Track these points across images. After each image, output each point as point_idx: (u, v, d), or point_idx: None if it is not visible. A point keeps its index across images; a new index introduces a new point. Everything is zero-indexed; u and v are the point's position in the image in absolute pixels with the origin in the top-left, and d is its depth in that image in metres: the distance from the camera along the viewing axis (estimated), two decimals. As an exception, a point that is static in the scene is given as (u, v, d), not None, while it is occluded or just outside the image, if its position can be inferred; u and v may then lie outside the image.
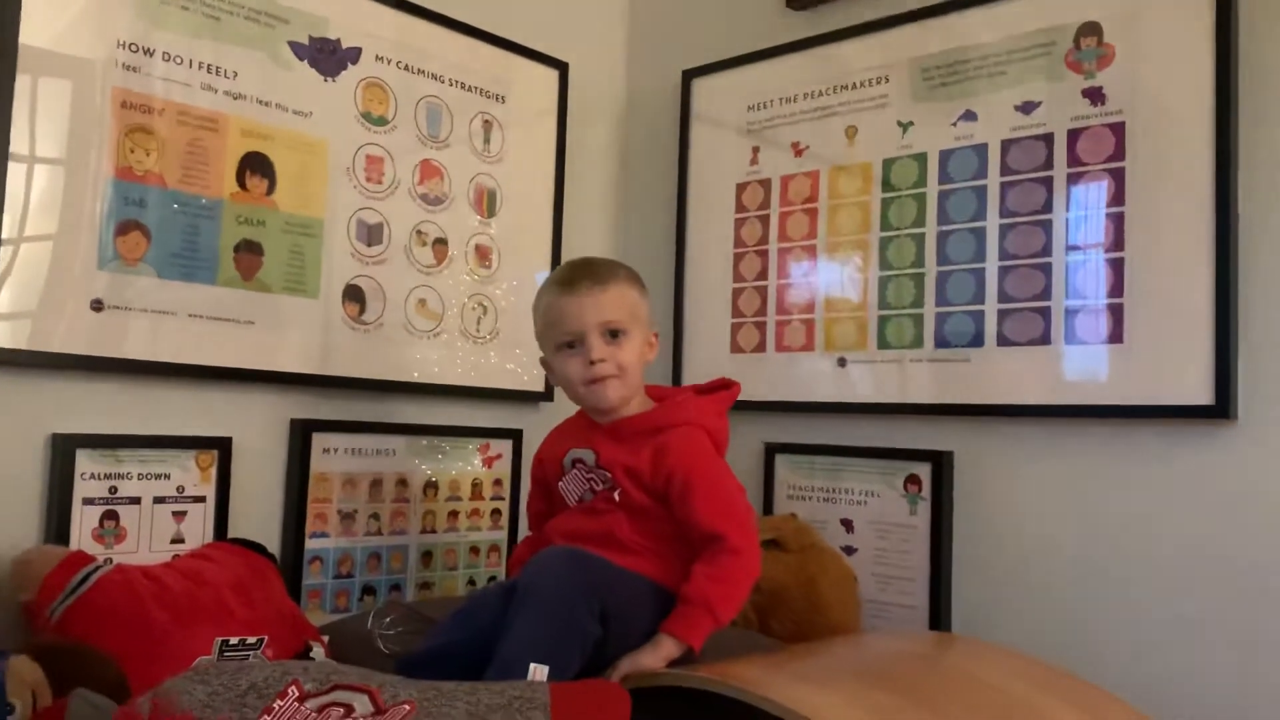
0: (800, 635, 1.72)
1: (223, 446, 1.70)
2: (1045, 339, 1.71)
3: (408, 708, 1.01)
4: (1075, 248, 1.69)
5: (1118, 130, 1.66)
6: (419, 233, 1.99)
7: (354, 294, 1.88)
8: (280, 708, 0.98)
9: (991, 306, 1.77)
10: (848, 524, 1.92)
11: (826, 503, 1.95)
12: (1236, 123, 1.55)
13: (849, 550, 1.90)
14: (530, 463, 2.09)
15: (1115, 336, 1.64)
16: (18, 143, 1.51)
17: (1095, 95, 1.68)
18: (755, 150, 2.13)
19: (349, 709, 1.00)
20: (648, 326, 1.53)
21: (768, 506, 2.03)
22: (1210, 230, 1.56)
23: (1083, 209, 1.68)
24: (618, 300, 1.47)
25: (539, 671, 1.22)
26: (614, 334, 1.46)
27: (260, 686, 1.00)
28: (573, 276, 1.49)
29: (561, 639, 1.28)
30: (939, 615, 1.78)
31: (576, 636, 1.29)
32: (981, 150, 1.80)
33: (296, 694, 1.00)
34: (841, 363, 1.96)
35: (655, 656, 1.34)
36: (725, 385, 1.57)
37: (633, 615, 1.38)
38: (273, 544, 1.75)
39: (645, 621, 1.38)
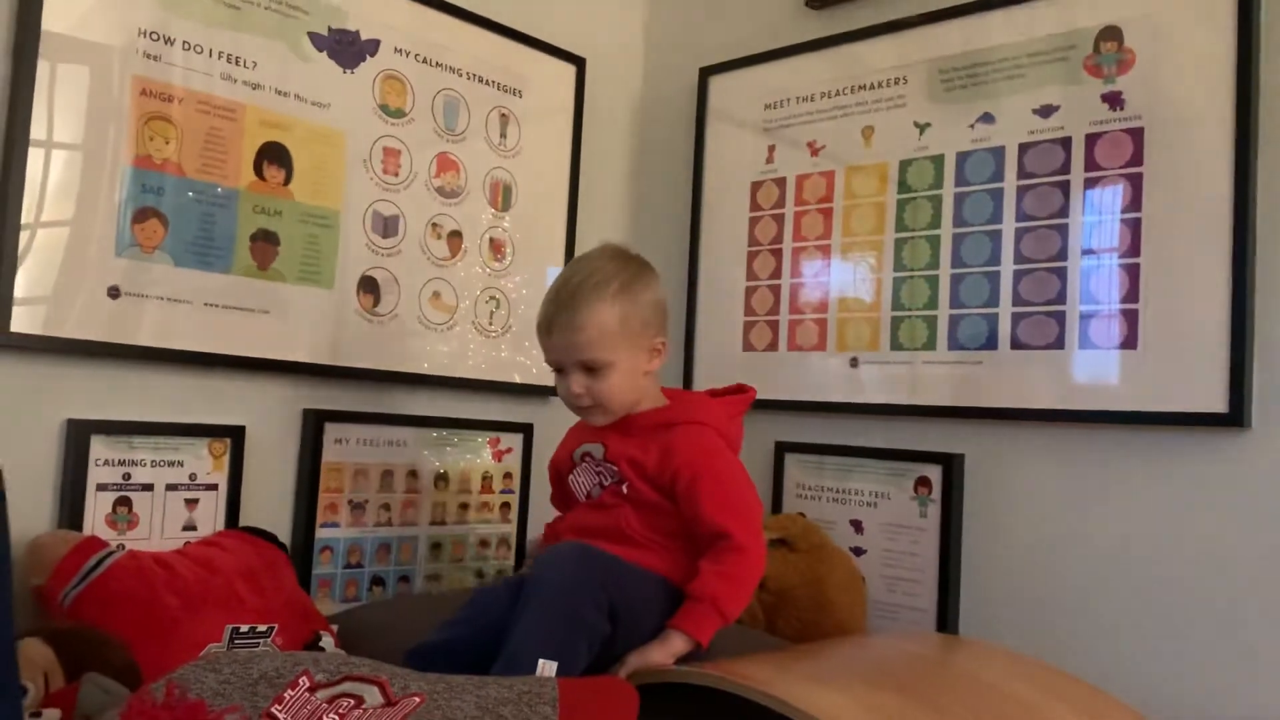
0: (806, 635, 1.72)
1: (236, 435, 1.71)
2: (1059, 343, 1.70)
3: (417, 700, 1.02)
4: (1091, 252, 1.68)
5: (1136, 135, 1.65)
6: (434, 225, 1.99)
7: (369, 285, 1.88)
8: (291, 697, 0.99)
9: (1005, 309, 1.77)
10: (857, 525, 1.92)
11: (836, 503, 1.95)
12: (1256, 130, 1.55)
13: (858, 551, 1.90)
14: (540, 456, 2.11)
15: (1129, 342, 1.63)
16: (36, 128, 1.51)
17: (1114, 100, 1.68)
18: (771, 149, 2.13)
19: (359, 700, 1.01)
20: (643, 340, 1.47)
21: (777, 505, 2.03)
22: (1227, 237, 1.55)
23: (1099, 214, 1.68)
24: (593, 336, 1.43)
25: (547, 667, 1.23)
26: (591, 369, 1.46)
27: (271, 676, 1.01)
28: (553, 310, 1.47)
29: (569, 634, 1.28)
30: (947, 618, 1.78)
31: (584, 632, 1.29)
32: (998, 153, 1.80)
33: (307, 684, 1.00)
34: (854, 363, 1.96)
35: (664, 652, 1.35)
36: (740, 390, 1.57)
37: (641, 611, 1.38)
38: (283, 533, 1.76)
39: (654, 618, 1.39)
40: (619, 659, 1.35)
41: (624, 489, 1.46)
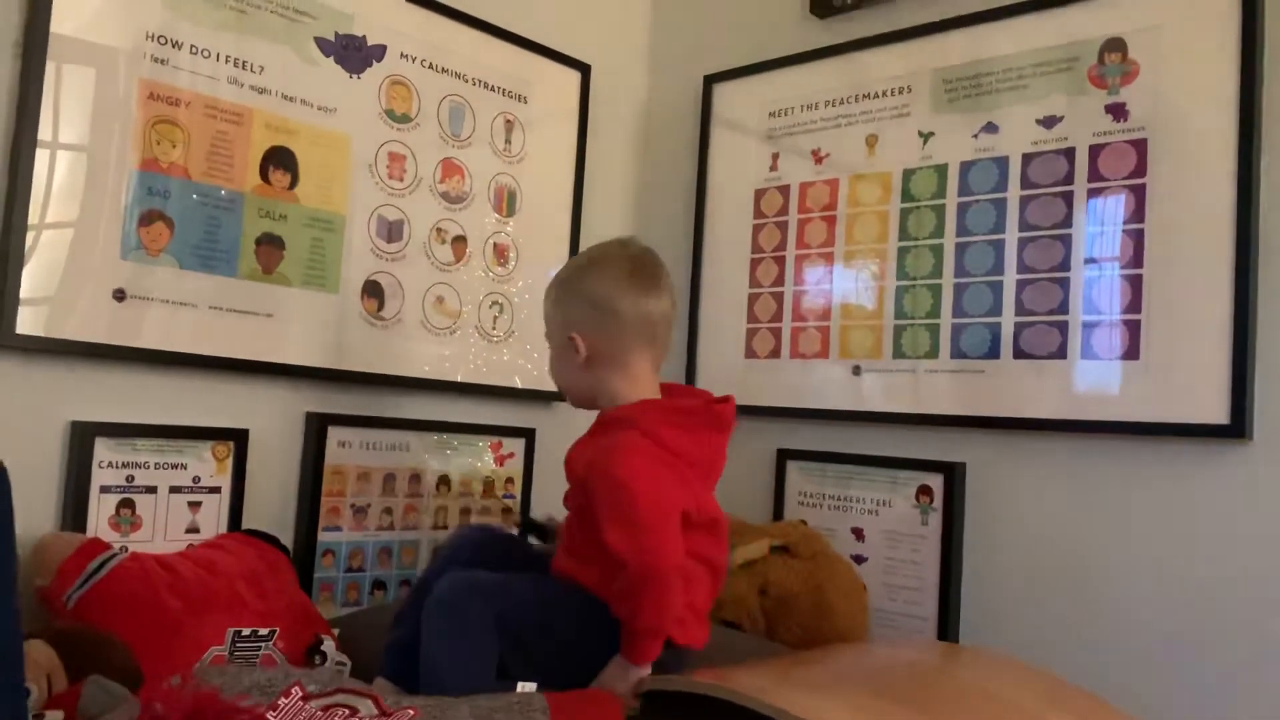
0: (807, 642, 1.72)
1: (239, 438, 1.71)
2: (1061, 353, 1.70)
3: (411, 713, 1.02)
4: (1093, 262, 1.69)
5: (1140, 146, 1.65)
6: (439, 230, 1.99)
7: (373, 290, 1.89)
8: (285, 705, 0.99)
9: (1008, 319, 1.77)
10: (858, 532, 1.92)
11: (837, 511, 1.95)
12: (1260, 142, 1.55)
13: (859, 559, 1.90)
14: (542, 461, 2.11)
15: (1131, 352, 1.64)
16: (43, 129, 1.52)
17: (1118, 111, 1.68)
18: (775, 156, 2.13)
19: (353, 710, 1.01)
20: (564, 331, 1.48)
21: (778, 512, 2.03)
22: (1230, 248, 1.55)
23: (1102, 224, 1.68)
24: (545, 316, 1.56)
25: (527, 687, 1.25)
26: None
27: (263, 684, 1.02)
28: None
29: (468, 650, 1.31)
30: (948, 626, 1.78)
31: (482, 648, 1.32)
32: (1002, 163, 1.80)
33: (300, 694, 1.01)
34: (856, 371, 1.96)
35: (623, 683, 1.33)
36: (721, 399, 1.48)
37: (544, 623, 1.37)
38: (286, 536, 1.76)
39: (567, 628, 1.38)
40: (541, 663, 1.35)
41: (569, 494, 1.46)
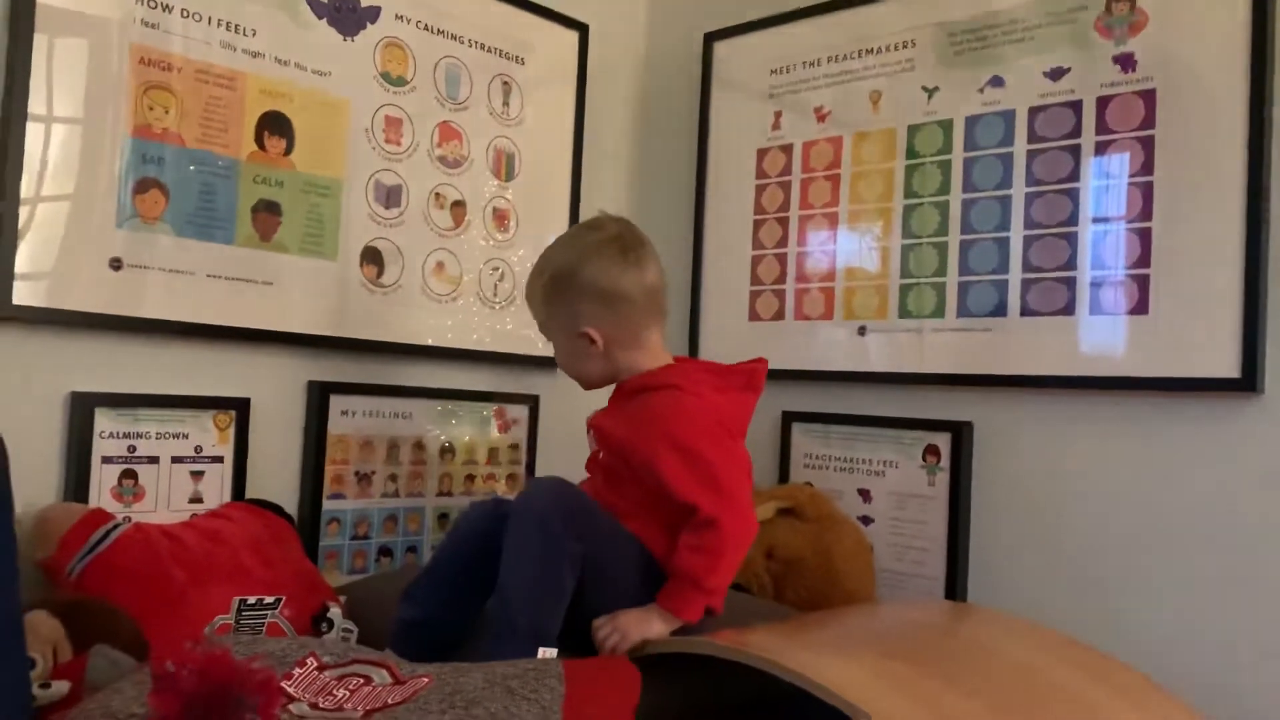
0: (815, 604, 1.72)
1: (241, 407, 1.70)
2: (1069, 309, 1.69)
3: (425, 680, 1.02)
4: (1102, 218, 1.66)
5: (1148, 98, 1.63)
6: (437, 195, 1.97)
7: (372, 256, 1.87)
8: (300, 674, 0.99)
9: (1015, 276, 1.75)
10: (865, 494, 1.91)
11: (844, 472, 1.94)
12: (1271, 92, 1.52)
13: (866, 520, 1.90)
14: (546, 427, 2.10)
15: (1140, 308, 1.62)
16: (36, 102, 1.50)
17: (1126, 62, 1.65)
18: (777, 115, 2.10)
19: (367, 679, 1.01)
20: (571, 327, 1.47)
21: (784, 475, 2.02)
22: (1241, 201, 1.53)
23: (1110, 178, 1.66)
24: (535, 317, 1.56)
25: (547, 653, 1.24)
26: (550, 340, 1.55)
27: (278, 655, 1.01)
28: None
29: (549, 558, 1.30)
30: (955, 586, 1.78)
31: (563, 555, 1.31)
32: (1008, 117, 1.77)
33: (315, 664, 1.01)
34: (861, 332, 1.94)
35: (639, 629, 1.33)
36: (753, 361, 1.50)
37: (610, 556, 1.37)
38: (290, 505, 1.76)
39: (623, 570, 1.38)
40: (588, 609, 1.35)
41: (600, 455, 1.46)
